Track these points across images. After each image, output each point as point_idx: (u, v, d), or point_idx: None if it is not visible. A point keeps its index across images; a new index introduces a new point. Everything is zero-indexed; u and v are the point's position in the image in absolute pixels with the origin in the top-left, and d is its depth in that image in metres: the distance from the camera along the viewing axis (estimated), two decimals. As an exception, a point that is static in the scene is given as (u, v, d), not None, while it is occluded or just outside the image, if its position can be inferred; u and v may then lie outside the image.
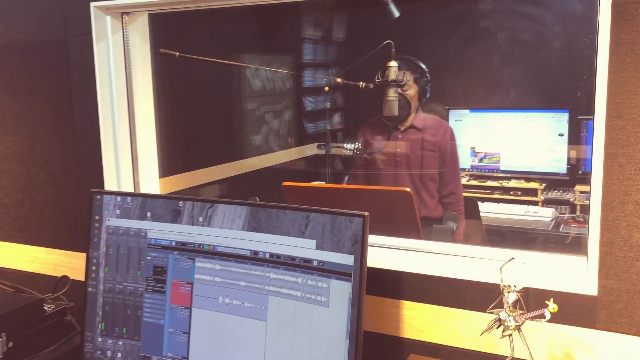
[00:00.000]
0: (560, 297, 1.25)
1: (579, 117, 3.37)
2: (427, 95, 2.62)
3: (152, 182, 1.92)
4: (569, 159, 3.46)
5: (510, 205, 3.39)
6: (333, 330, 1.23)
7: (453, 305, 1.37)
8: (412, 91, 2.57)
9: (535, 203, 3.46)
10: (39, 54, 1.84)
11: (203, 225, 1.39)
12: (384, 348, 1.46)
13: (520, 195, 3.51)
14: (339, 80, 2.37)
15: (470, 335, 1.35)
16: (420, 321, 1.41)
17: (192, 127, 3.13)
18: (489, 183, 3.64)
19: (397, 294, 1.43)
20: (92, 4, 1.71)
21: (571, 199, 3.39)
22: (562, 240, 3.00)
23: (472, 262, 1.41)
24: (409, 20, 3.66)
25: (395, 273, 1.43)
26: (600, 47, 1.17)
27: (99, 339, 1.47)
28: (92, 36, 1.73)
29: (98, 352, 1.47)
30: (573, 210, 3.36)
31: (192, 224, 1.40)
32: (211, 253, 1.38)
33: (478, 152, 3.69)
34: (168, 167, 2.51)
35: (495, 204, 3.44)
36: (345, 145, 2.71)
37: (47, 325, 1.60)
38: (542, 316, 1.12)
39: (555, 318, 1.20)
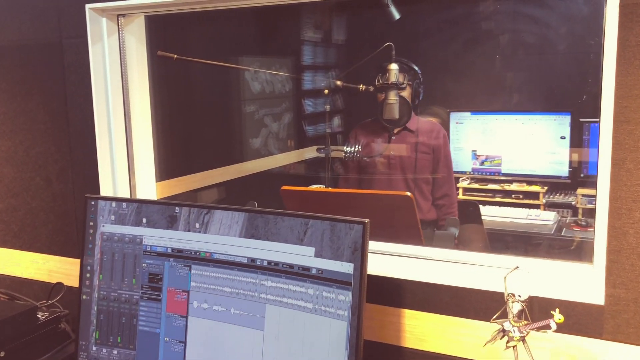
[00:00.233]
0: (566, 306, 1.22)
1: (581, 119, 3.34)
2: (420, 98, 2.60)
3: (148, 186, 1.89)
4: (571, 162, 3.43)
5: (512, 208, 3.37)
6: (332, 340, 1.20)
7: (456, 314, 1.34)
8: (405, 93, 2.54)
9: (537, 206, 3.43)
10: (34, 56, 1.82)
11: (200, 232, 1.36)
12: (385, 358, 1.42)
13: (522, 199, 3.48)
14: (338, 82, 2.34)
15: (473, 345, 1.32)
16: (422, 330, 1.38)
17: (190, 130, 3.11)
18: (490, 186, 3.61)
19: (398, 303, 1.40)
20: (88, 6, 1.68)
21: (573, 203, 3.37)
22: (564, 244, 2.97)
23: (475, 270, 1.38)
24: (410, 22, 3.64)
25: (397, 281, 1.40)
26: (607, 50, 1.14)
27: (94, 348, 1.44)
28: (88, 38, 1.70)
29: (92, 361, 1.44)
30: (575, 214, 3.33)
31: (189, 230, 1.37)
32: (208, 260, 1.34)
33: (479, 155, 3.66)
34: (166, 170, 2.48)
35: (497, 207, 3.42)
36: (345, 148, 2.69)
37: (41, 334, 1.57)
38: (548, 327, 1.09)
39: (561, 328, 1.17)
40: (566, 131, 3.39)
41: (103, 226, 1.44)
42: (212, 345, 1.33)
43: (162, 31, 2.34)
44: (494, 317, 1.17)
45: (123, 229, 1.43)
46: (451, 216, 2.60)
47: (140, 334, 1.40)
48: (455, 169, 3.65)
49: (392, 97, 2.32)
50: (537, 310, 1.24)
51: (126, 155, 1.82)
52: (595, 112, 1.20)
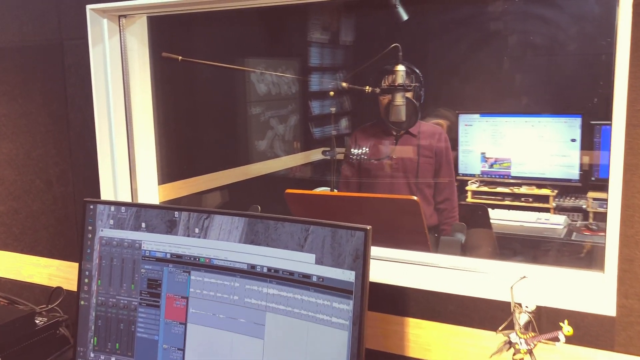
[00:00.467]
0: (576, 317, 1.18)
1: (592, 122, 3.28)
2: (421, 101, 2.56)
3: (150, 190, 1.86)
4: (581, 165, 3.37)
5: (521, 212, 3.32)
6: (333, 349, 1.17)
7: (461, 323, 1.30)
8: (409, 96, 2.50)
9: (546, 210, 3.38)
10: (34, 58, 1.80)
11: (199, 237, 1.33)
12: (388, 367, 1.39)
13: (532, 202, 3.43)
14: (344, 84, 2.31)
15: (478, 356, 1.28)
16: (426, 340, 1.34)
17: (195, 132, 3.08)
18: (500, 189, 3.56)
19: (402, 311, 1.36)
20: (88, 7, 1.66)
21: (584, 206, 3.31)
22: (575, 249, 2.91)
23: (481, 278, 1.34)
24: (418, 23, 3.59)
25: (401, 289, 1.36)
26: (620, 51, 1.10)
27: (92, 355, 1.41)
28: (88, 40, 1.68)
29: (90, 368, 1.41)
30: (586, 218, 3.27)
31: (188, 236, 1.34)
32: (207, 266, 1.31)
33: (488, 158, 3.61)
34: (169, 173, 2.46)
35: (506, 210, 3.37)
36: (352, 150, 2.66)
37: (39, 339, 1.55)
38: (556, 339, 1.05)
39: (570, 339, 1.12)
40: (577, 134, 3.34)
41: (102, 230, 1.42)
42: (211, 353, 1.30)
43: (166, 32, 2.31)
44: (500, 328, 1.13)
45: (122, 233, 1.40)
46: (452, 221, 2.57)
47: (138, 340, 1.37)
48: (463, 171, 3.62)
49: (399, 99, 2.29)
50: (545, 320, 1.20)
51: (127, 158, 1.79)
52: (607, 115, 1.15)
